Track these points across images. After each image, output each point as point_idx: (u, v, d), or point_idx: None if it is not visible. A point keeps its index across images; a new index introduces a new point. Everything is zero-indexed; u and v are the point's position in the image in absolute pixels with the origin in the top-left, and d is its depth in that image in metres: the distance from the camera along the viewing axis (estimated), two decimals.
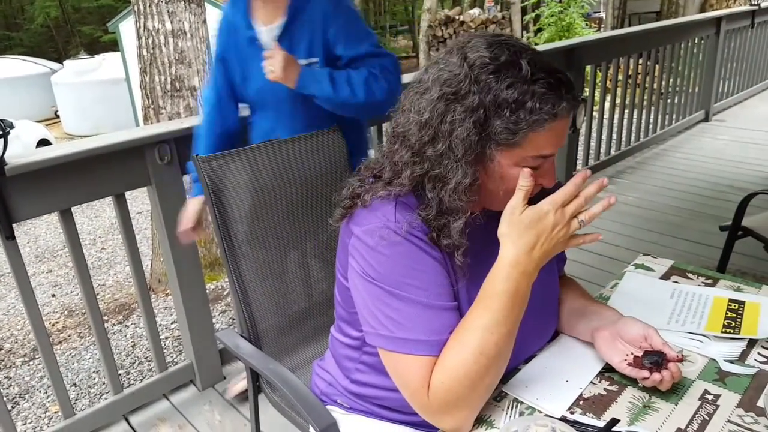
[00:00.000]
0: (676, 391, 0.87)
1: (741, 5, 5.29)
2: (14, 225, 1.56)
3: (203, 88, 1.65)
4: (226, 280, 3.15)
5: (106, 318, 3.45)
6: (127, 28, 9.24)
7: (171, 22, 2.97)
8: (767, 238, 2.01)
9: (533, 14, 10.90)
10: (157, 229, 2.02)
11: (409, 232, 0.82)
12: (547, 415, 0.84)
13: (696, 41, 4.61)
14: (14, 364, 3.07)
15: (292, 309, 1.39)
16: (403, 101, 0.86)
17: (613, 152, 4.05)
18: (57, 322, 3.53)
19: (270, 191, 1.33)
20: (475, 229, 0.85)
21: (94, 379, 2.76)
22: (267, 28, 1.52)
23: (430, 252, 0.84)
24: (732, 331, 0.99)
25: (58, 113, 11.31)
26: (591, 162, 3.98)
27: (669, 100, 4.53)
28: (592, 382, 0.90)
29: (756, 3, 5.06)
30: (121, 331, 3.27)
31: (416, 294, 0.82)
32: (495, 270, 0.81)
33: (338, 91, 1.45)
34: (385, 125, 2.44)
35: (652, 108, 4.34)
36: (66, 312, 3.68)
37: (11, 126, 1.44)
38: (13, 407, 2.59)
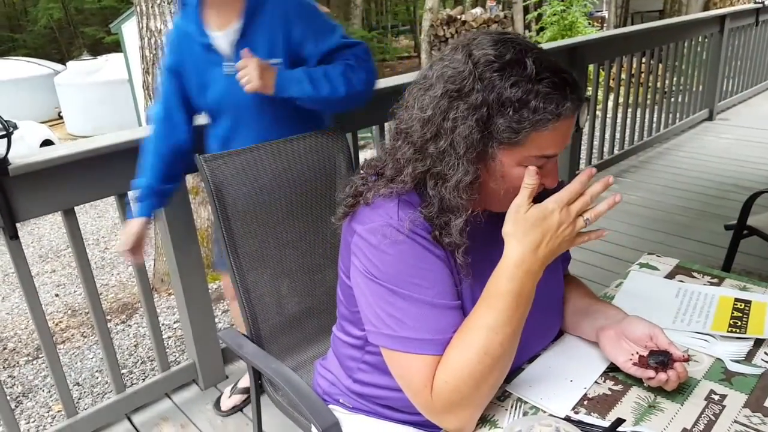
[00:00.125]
0: (681, 391, 0.86)
1: (745, 3, 5.26)
2: (18, 225, 1.56)
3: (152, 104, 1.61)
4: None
5: (109, 317, 3.46)
6: (129, 29, 9.24)
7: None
8: None
9: (535, 13, 10.89)
10: (160, 228, 2.02)
11: (412, 230, 0.82)
12: (551, 415, 0.83)
13: (700, 39, 4.59)
14: (18, 363, 3.07)
15: (295, 308, 1.39)
16: (407, 97, 0.85)
17: (616, 151, 4.04)
18: (60, 322, 3.54)
19: (272, 191, 1.33)
20: (479, 227, 0.85)
21: (97, 378, 2.76)
22: (223, 34, 1.47)
23: (433, 250, 0.83)
24: (738, 330, 0.99)
25: (61, 114, 11.34)
26: (594, 161, 3.97)
27: (672, 99, 4.51)
28: (596, 382, 0.90)
29: (760, 1, 5.03)
30: (124, 330, 3.28)
31: (420, 293, 0.81)
32: (499, 269, 0.80)
33: (318, 89, 1.43)
34: (387, 124, 2.43)
35: (656, 107, 4.33)
36: (69, 311, 3.69)
37: (15, 127, 1.44)
38: (16, 406, 2.60)
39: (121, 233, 1.63)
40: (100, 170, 1.69)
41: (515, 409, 0.86)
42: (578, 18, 9.31)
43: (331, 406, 1.07)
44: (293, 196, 1.36)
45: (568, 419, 0.82)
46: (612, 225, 3.12)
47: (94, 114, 10.36)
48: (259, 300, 1.32)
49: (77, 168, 1.63)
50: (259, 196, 1.30)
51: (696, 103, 4.82)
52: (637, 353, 0.88)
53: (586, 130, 3.77)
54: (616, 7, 12.68)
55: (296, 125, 1.48)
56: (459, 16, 11.60)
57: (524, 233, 0.78)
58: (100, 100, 10.37)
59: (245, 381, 2.00)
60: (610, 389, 0.88)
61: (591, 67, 3.69)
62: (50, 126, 9.41)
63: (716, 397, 0.85)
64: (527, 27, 11.76)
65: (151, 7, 2.96)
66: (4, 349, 3.27)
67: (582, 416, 0.83)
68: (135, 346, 3.06)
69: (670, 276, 1.20)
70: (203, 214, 3.16)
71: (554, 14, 9.45)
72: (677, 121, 4.62)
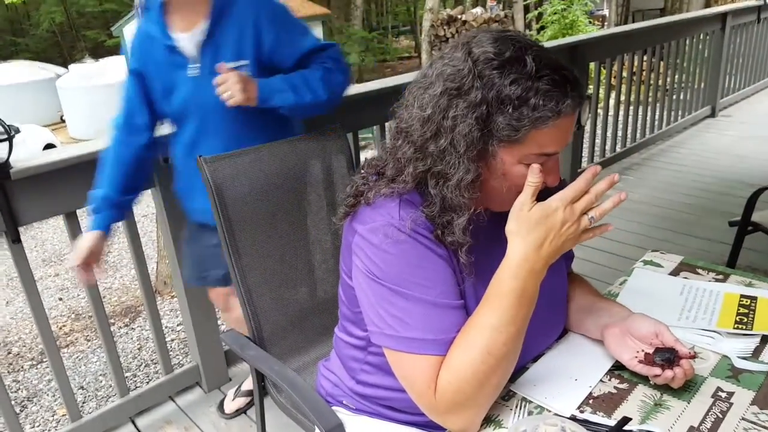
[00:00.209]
0: (688, 388, 0.85)
1: (746, 0, 5.24)
2: (20, 229, 1.56)
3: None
4: None
5: (112, 321, 3.46)
6: (130, 32, 9.26)
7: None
8: None
9: (536, 12, 10.88)
10: (162, 231, 2.02)
11: (413, 229, 0.81)
12: (556, 414, 0.83)
13: (701, 37, 4.58)
14: (22, 367, 3.08)
15: (297, 309, 1.38)
16: (407, 96, 0.85)
17: (618, 149, 4.03)
18: (64, 326, 3.54)
19: (273, 191, 1.33)
20: (482, 226, 0.84)
21: (101, 381, 2.76)
22: (188, 35, 1.42)
23: (435, 250, 0.83)
24: (745, 327, 0.98)
25: (64, 118, 11.37)
26: (596, 159, 3.96)
27: (675, 97, 4.50)
28: (601, 380, 0.89)
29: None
30: (127, 333, 3.28)
31: (422, 292, 0.81)
32: (503, 268, 0.80)
33: (301, 96, 1.40)
34: (388, 124, 2.43)
35: (658, 104, 4.32)
36: (73, 315, 3.70)
37: (17, 131, 1.45)
38: (21, 410, 2.60)
39: (73, 246, 1.50)
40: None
41: (520, 408, 0.85)
42: (579, 17, 9.30)
43: (334, 408, 1.06)
44: (294, 196, 1.36)
45: (573, 418, 0.82)
46: (615, 222, 3.08)
47: (96, 117, 10.37)
48: (260, 301, 1.31)
49: (79, 171, 1.63)
50: (260, 197, 1.30)
51: (698, 100, 4.81)
52: (643, 351, 0.87)
53: (587, 128, 3.76)
54: (616, 5, 12.66)
55: (264, 129, 1.46)
56: (459, 16, 11.60)
57: (528, 231, 0.78)
58: (103, 103, 10.38)
59: (248, 383, 2.00)
60: (615, 387, 0.88)
61: (592, 66, 3.68)
62: (53, 129, 9.43)
63: (723, 395, 0.84)
64: (528, 26, 11.75)
65: None
66: (9, 353, 3.28)
67: (587, 415, 0.82)
68: (138, 349, 3.07)
69: (675, 273, 1.19)
70: None
71: (555, 13, 9.45)
72: (679, 118, 4.60)
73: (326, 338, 1.40)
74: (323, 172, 1.40)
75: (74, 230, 1.70)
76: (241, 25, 1.41)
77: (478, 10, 12.31)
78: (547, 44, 3.41)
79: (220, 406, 1.98)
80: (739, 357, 0.92)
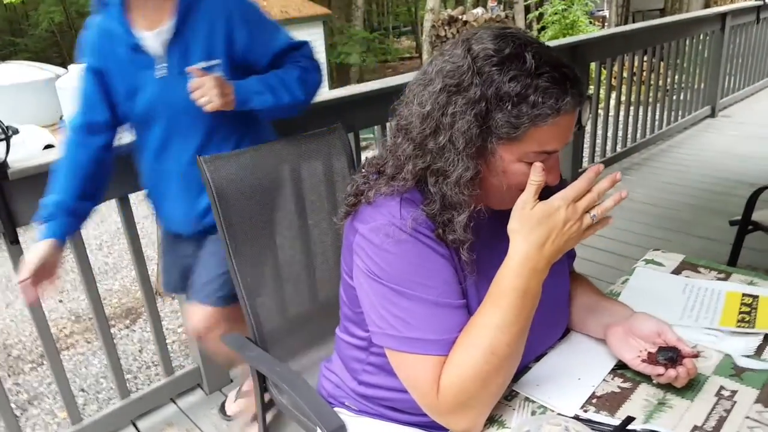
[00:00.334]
0: (691, 387, 0.85)
1: (746, 0, 5.24)
2: (19, 230, 1.55)
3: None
4: None
5: (113, 322, 3.46)
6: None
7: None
8: None
9: (536, 12, 10.89)
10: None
11: (415, 229, 0.81)
12: (559, 414, 0.82)
13: (701, 37, 4.58)
14: (23, 370, 3.07)
15: (298, 310, 1.38)
16: (407, 93, 0.84)
17: (619, 149, 4.03)
18: (64, 328, 3.54)
19: (273, 191, 1.32)
20: (483, 224, 0.84)
21: (102, 384, 2.76)
22: (154, 33, 1.34)
23: (437, 249, 0.82)
24: (747, 325, 0.98)
25: (63, 118, 11.37)
26: (597, 159, 3.95)
27: (675, 97, 4.50)
28: (605, 380, 0.89)
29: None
30: (128, 335, 3.27)
31: (424, 292, 0.80)
32: (505, 266, 0.79)
33: (279, 97, 1.36)
34: (389, 123, 2.43)
35: (658, 104, 4.32)
36: (73, 317, 3.69)
37: (15, 131, 1.44)
38: (22, 414, 2.59)
39: (22, 259, 1.34)
40: None
41: (523, 408, 0.85)
42: (579, 17, 9.31)
43: (336, 409, 1.06)
44: (294, 196, 1.36)
45: (576, 418, 0.81)
46: (616, 222, 3.05)
47: None
48: (261, 302, 1.31)
49: None
50: (261, 197, 1.30)
51: (698, 100, 4.81)
52: (646, 350, 0.87)
53: (588, 128, 3.76)
54: (617, 5, 12.67)
55: (236, 128, 1.42)
56: (460, 17, 11.60)
57: (530, 230, 0.77)
58: None
59: (248, 384, 1.99)
60: (618, 387, 0.87)
61: (593, 66, 3.67)
62: (53, 130, 9.43)
63: (727, 393, 0.84)
64: (528, 26, 11.76)
65: None
66: (9, 356, 3.27)
67: (591, 414, 0.82)
68: (139, 350, 3.06)
69: (677, 272, 1.19)
70: None
71: (555, 14, 9.46)
72: (679, 118, 4.60)
73: (328, 339, 1.40)
74: (324, 172, 1.40)
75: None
76: (211, 22, 1.34)
77: (479, 10, 12.32)
78: (548, 44, 3.41)
79: (222, 408, 1.98)
80: (742, 355, 0.91)
